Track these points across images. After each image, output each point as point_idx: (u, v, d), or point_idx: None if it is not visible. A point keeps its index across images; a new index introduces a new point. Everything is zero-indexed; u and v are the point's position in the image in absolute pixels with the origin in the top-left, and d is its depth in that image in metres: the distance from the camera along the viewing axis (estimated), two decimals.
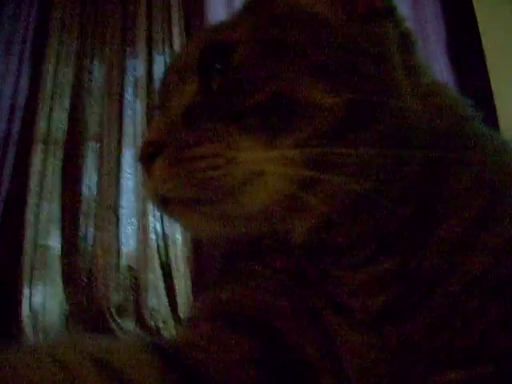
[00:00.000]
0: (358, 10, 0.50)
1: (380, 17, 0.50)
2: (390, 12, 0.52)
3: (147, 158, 0.48)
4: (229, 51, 0.48)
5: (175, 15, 2.55)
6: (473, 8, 2.27)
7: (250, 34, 0.49)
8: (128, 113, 2.43)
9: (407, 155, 0.44)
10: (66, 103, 2.47)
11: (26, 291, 2.18)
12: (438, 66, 2.24)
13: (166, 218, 2.24)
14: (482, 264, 0.41)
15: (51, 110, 2.46)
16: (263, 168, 0.44)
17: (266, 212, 0.46)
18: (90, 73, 2.52)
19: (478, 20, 2.27)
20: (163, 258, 2.20)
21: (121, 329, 2.06)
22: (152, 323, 2.09)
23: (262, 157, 0.44)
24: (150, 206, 2.27)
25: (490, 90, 2.10)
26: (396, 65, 0.47)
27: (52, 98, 2.48)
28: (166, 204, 0.49)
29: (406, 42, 0.51)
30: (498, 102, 2.04)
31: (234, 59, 0.48)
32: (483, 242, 0.42)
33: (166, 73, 0.57)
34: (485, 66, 2.17)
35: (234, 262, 0.53)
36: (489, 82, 2.12)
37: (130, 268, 2.22)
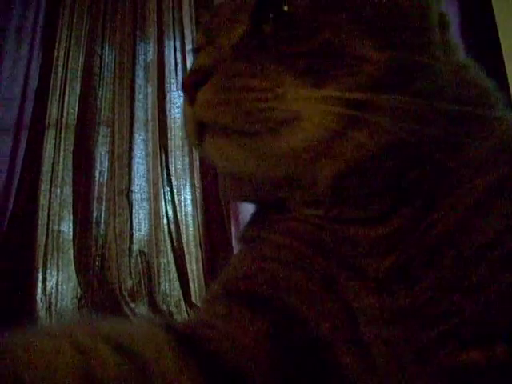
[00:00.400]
0: None
1: None
2: None
3: (194, 84, 0.48)
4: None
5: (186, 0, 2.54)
6: None
7: None
8: (139, 97, 2.43)
9: (440, 112, 0.45)
10: (77, 88, 2.48)
11: (39, 275, 2.20)
12: None
13: (177, 202, 2.25)
14: (495, 231, 0.41)
15: (62, 95, 2.47)
16: (308, 108, 0.45)
17: (301, 153, 0.47)
18: (101, 57, 2.51)
19: (493, 3, 2.23)
20: (175, 243, 2.20)
21: (133, 313, 2.07)
22: (164, 307, 2.11)
23: (308, 96, 0.45)
24: (162, 190, 2.28)
25: (505, 74, 2.07)
26: (435, 37, 0.50)
27: (63, 83, 2.48)
28: (202, 134, 0.50)
29: (443, 21, 0.53)
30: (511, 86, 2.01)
31: (293, 6, 0.49)
32: (499, 208, 0.42)
33: (214, 15, 0.57)
34: (499, 49, 2.14)
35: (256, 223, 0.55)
36: (503, 65, 2.09)
37: (142, 252, 2.23)
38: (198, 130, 0.50)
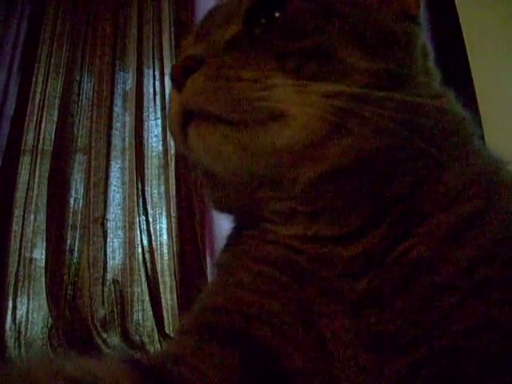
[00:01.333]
0: (395, 10, 0.55)
1: (412, 21, 0.56)
2: (419, 23, 0.57)
3: (183, 71, 0.49)
4: (278, 5, 0.52)
5: (166, 29, 2.56)
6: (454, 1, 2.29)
7: None
8: (117, 125, 2.42)
9: (423, 129, 0.47)
10: (54, 115, 2.47)
11: (9, 303, 2.15)
12: None
13: (152, 231, 2.24)
14: (468, 261, 0.41)
15: (39, 121, 2.46)
16: (292, 108, 0.45)
17: (284, 152, 0.47)
18: (80, 85, 2.51)
19: (460, 13, 2.28)
20: (149, 272, 2.18)
21: (105, 343, 2.04)
22: (137, 338, 2.07)
23: (294, 97, 0.45)
24: (137, 219, 2.26)
25: (471, 82, 2.11)
26: (418, 61, 0.53)
27: (40, 109, 2.47)
28: (188, 123, 0.49)
29: (424, 49, 0.56)
30: (479, 96, 2.05)
31: (287, 9, 0.51)
32: (472, 239, 0.43)
33: (210, 14, 0.59)
34: (466, 58, 2.18)
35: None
36: (470, 72, 2.13)
37: (115, 281, 2.20)
38: (183, 120, 0.49)
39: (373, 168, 0.47)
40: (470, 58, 2.18)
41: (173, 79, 0.51)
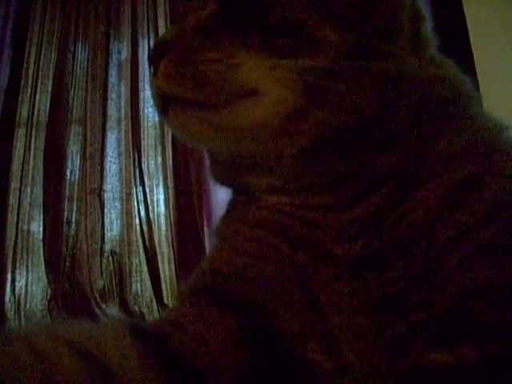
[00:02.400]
0: None
1: None
2: None
3: (157, 55, 0.49)
4: None
5: None
6: None
7: None
8: (112, 96, 2.40)
9: (407, 99, 0.46)
10: (49, 86, 2.43)
11: (8, 276, 2.16)
12: None
13: (149, 202, 2.24)
14: (465, 225, 0.41)
15: (34, 93, 2.42)
16: (263, 85, 0.45)
17: (260, 129, 0.47)
18: (74, 55, 2.48)
19: (465, 9, 2.26)
20: (147, 243, 2.19)
21: (104, 314, 2.05)
22: (136, 308, 2.08)
23: (263, 74, 0.45)
24: (134, 190, 2.25)
25: (477, 80, 2.11)
26: (403, 27, 0.49)
27: (34, 80, 2.44)
28: (167, 106, 0.49)
29: (416, 16, 0.52)
30: (483, 91, 2.05)
31: None
32: (469, 202, 0.42)
33: None
34: (471, 54, 2.17)
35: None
36: (473, 63, 2.12)
37: (113, 252, 2.20)
38: (163, 103, 0.50)
39: (356, 140, 0.46)
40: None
41: (149, 63, 0.52)
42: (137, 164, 2.28)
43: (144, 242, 2.19)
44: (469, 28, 2.22)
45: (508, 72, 2.18)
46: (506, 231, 0.41)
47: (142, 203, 2.25)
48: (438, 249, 0.41)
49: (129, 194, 2.26)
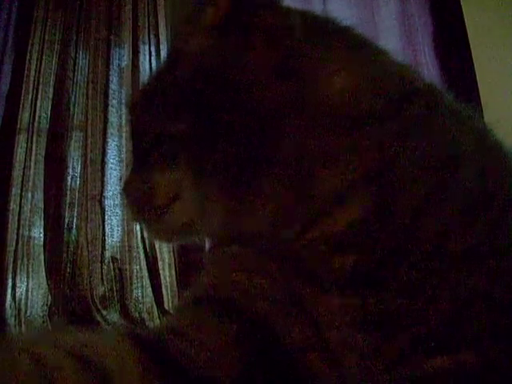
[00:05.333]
0: (209, 22, 0.50)
1: (234, 24, 0.48)
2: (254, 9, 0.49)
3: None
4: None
5: (161, 4, 2.52)
6: (460, 1, 2.28)
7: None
8: (113, 102, 2.40)
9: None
10: (50, 92, 2.43)
11: (8, 282, 2.15)
12: (425, 59, 2.24)
13: None
14: (436, 236, 0.42)
15: (35, 99, 2.42)
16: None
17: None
18: (75, 61, 2.48)
19: (465, 13, 2.27)
20: (148, 249, 2.19)
21: (105, 320, 2.05)
22: (136, 314, 2.08)
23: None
24: None
25: (476, 83, 2.12)
26: (270, 91, 0.47)
27: (35, 86, 2.44)
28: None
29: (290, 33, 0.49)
30: (482, 94, 2.05)
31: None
32: (434, 216, 0.42)
33: None
34: (470, 58, 2.19)
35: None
36: (474, 74, 2.14)
37: (114, 259, 2.20)
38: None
39: None
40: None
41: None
42: None
43: (145, 248, 2.19)
44: (468, 29, 2.23)
45: (508, 72, 2.19)
46: (478, 237, 0.41)
47: None
48: (423, 263, 0.41)
49: None
